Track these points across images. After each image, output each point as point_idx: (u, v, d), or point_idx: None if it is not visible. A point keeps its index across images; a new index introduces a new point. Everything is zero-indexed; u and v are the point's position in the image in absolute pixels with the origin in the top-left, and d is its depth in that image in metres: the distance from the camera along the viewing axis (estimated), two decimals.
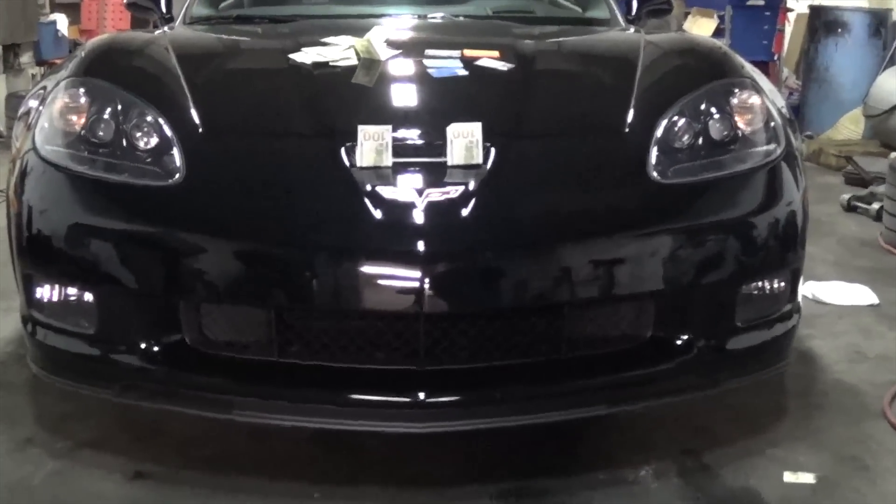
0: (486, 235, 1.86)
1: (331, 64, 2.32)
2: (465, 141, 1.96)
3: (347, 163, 1.95)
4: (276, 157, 2.04)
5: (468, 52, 2.38)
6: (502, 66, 2.33)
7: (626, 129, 2.12)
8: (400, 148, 1.98)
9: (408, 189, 1.90)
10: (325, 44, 2.42)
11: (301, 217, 1.90)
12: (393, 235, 1.85)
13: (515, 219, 1.91)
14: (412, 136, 2.04)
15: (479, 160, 1.95)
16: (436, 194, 1.88)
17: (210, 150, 2.04)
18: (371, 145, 1.95)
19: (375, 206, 1.86)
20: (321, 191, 1.94)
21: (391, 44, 2.42)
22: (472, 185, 1.91)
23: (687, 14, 7.46)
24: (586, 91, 2.35)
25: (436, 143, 1.99)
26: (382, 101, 2.25)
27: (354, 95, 2.23)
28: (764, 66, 6.29)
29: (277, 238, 1.88)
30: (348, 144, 1.98)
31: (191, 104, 2.12)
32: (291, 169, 2.01)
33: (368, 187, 1.90)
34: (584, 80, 2.45)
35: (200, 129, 2.07)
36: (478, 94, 2.25)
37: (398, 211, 1.86)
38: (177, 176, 1.98)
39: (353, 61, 2.33)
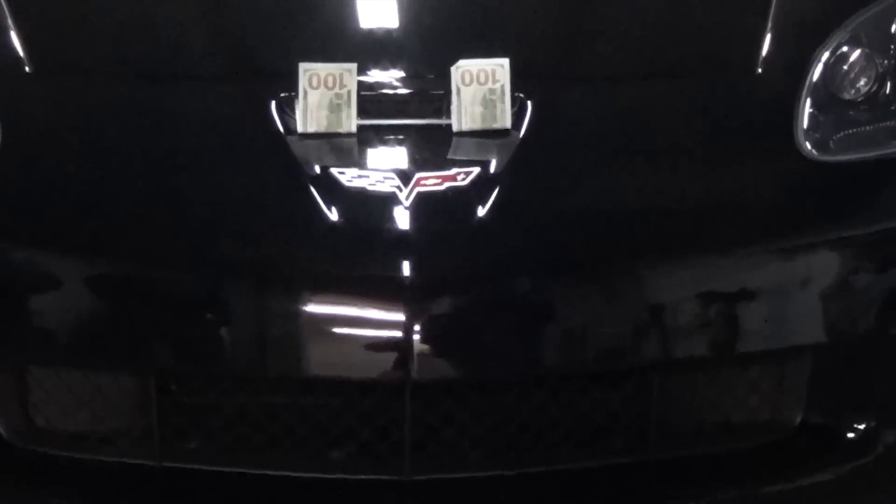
0: (517, 252, 1.69)
1: None
2: (482, 90, 1.78)
3: (282, 126, 1.77)
4: (158, 116, 1.84)
5: None
6: None
7: (759, 69, 1.90)
8: (371, 102, 1.80)
9: (384, 172, 1.72)
10: None
11: (200, 217, 1.73)
12: (358, 252, 1.67)
13: (567, 222, 1.73)
14: (391, 81, 1.86)
15: (507, 122, 1.76)
16: (431, 181, 1.69)
17: (45, 100, 1.85)
18: (322, 97, 1.77)
19: (328, 202, 1.67)
20: (236, 173, 1.75)
21: None
22: (493, 166, 1.72)
23: None
24: (688, 2, 2.10)
25: (432, 92, 1.81)
26: (340, 21, 2.02)
27: (292, 11, 2.01)
28: None
29: (160, 252, 1.70)
30: (283, 95, 1.79)
31: (9, 21, 1.91)
32: (185, 135, 1.82)
33: (317, 168, 1.71)
34: None
35: (27, 66, 1.87)
36: (504, 9, 2.03)
37: (367, 210, 1.69)
38: None
39: None
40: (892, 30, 1.92)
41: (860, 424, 1.83)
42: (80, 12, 2.04)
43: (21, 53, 1.89)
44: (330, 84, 1.76)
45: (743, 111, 1.86)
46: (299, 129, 1.75)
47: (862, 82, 1.89)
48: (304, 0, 2.04)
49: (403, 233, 1.65)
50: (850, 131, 1.86)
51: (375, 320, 1.63)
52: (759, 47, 1.92)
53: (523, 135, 1.75)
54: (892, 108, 1.88)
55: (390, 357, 1.62)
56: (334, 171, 1.70)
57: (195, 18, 1.98)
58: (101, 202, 1.74)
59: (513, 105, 1.77)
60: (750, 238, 1.74)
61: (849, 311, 1.78)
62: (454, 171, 1.70)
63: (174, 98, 1.89)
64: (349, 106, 1.75)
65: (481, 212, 1.67)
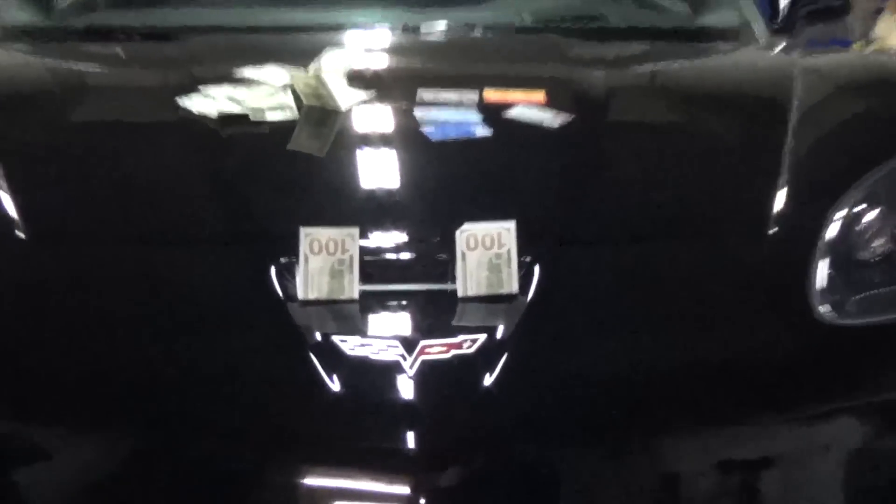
0: (525, 421, 1.67)
1: (251, 118, 2.12)
2: (488, 254, 1.77)
3: (282, 293, 1.75)
4: (157, 282, 1.83)
5: (491, 94, 2.22)
6: (551, 117, 2.15)
7: (772, 229, 1.89)
8: (373, 267, 1.78)
9: (387, 340, 1.70)
10: (240, 80, 2.25)
11: (199, 387, 1.71)
12: (362, 423, 1.65)
13: (576, 390, 1.70)
14: (394, 245, 1.85)
15: (514, 287, 1.74)
16: (437, 349, 1.68)
17: (37, 270, 1.83)
18: (323, 263, 1.76)
19: (329, 372, 1.65)
20: (235, 342, 1.74)
21: (357, 79, 2.27)
22: (500, 332, 1.70)
23: (880, 11, 6.34)
24: (697, 161, 2.12)
25: (436, 257, 1.80)
26: (342, 184, 2.03)
27: (293, 174, 2.02)
28: None
29: (156, 421, 1.68)
30: (283, 261, 1.77)
31: (3, 182, 1.91)
32: (184, 302, 1.80)
33: (318, 336, 1.69)
34: (692, 142, 2.22)
35: (20, 233, 1.86)
36: (509, 170, 2.04)
37: (370, 380, 1.67)
38: None
39: (292, 112, 2.16)
40: None
41: None
42: (77, 175, 2.05)
43: (16, 217, 1.88)
44: (331, 249, 1.75)
45: (756, 273, 1.85)
46: (300, 295, 1.74)
47: (878, 242, 1.88)
48: (305, 163, 2.05)
49: (408, 403, 1.63)
50: (868, 293, 1.84)
51: (380, 493, 1.60)
52: (773, 207, 1.92)
53: (531, 300, 1.74)
54: None
55: None
56: (336, 339, 1.69)
57: (195, 182, 1.99)
58: (98, 370, 1.72)
59: (520, 269, 1.76)
60: (765, 405, 1.71)
61: (870, 478, 1.74)
62: (460, 338, 1.68)
63: (173, 263, 1.88)
64: (351, 272, 1.74)
65: (488, 380, 1.65)
